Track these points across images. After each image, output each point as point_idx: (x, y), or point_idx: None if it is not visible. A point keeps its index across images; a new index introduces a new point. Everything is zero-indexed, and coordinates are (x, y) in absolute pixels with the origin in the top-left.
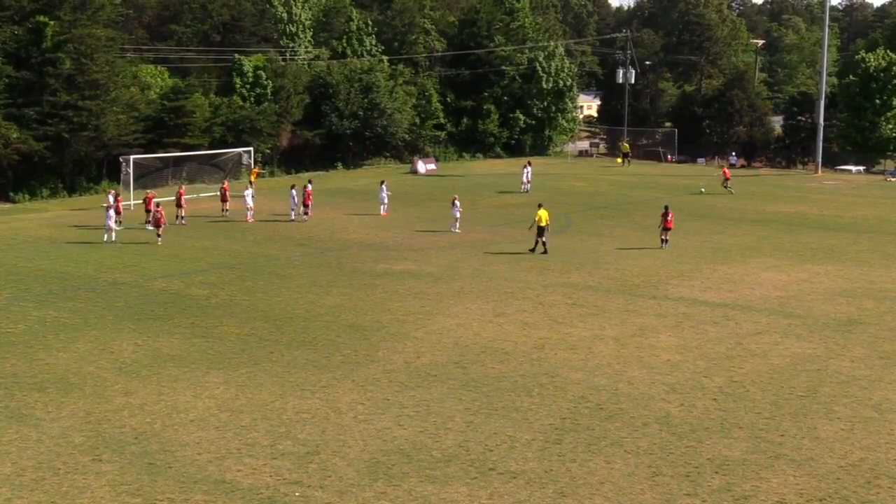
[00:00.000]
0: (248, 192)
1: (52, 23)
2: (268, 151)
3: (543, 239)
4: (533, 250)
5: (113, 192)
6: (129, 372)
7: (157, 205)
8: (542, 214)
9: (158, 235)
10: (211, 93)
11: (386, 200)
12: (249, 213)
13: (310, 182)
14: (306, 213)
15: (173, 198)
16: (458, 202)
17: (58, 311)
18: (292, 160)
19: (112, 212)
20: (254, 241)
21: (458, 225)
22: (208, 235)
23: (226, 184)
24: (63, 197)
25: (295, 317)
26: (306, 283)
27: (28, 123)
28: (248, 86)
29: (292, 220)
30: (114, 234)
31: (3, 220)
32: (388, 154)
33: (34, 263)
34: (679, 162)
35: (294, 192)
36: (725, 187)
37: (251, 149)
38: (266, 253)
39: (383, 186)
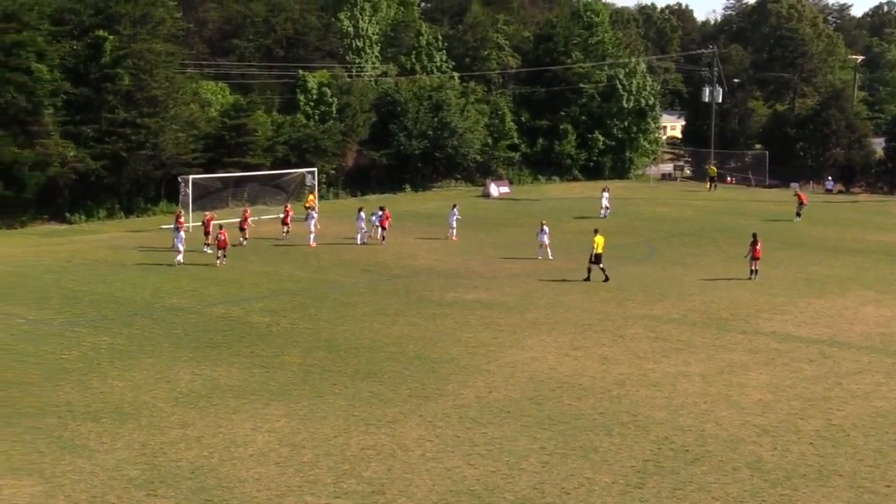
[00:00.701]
0: (312, 215)
1: (111, 37)
2: (332, 172)
3: (601, 266)
4: (587, 279)
5: (180, 212)
6: (186, 402)
7: (220, 227)
8: (599, 241)
9: (222, 257)
10: (273, 110)
11: (455, 224)
12: (311, 237)
13: (381, 209)
14: (383, 238)
15: (237, 219)
16: (546, 227)
17: (113, 337)
18: (358, 181)
19: (182, 233)
20: (317, 266)
21: (549, 251)
22: (269, 260)
23: (289, 206)
24: (120, 218)
25: (360, 347)
26: (372, 311)
27: (85, 141)
28: (312, 103)
29: (363, 244)
30: (181, 255)
31: (59, 241)
32: (458, 176)
33: (89, 287)
34: (770, 186)
35: (362, 214)
36: (798, 214)
37: (315, 169)
38: (330, 279)
39: (455, 210)
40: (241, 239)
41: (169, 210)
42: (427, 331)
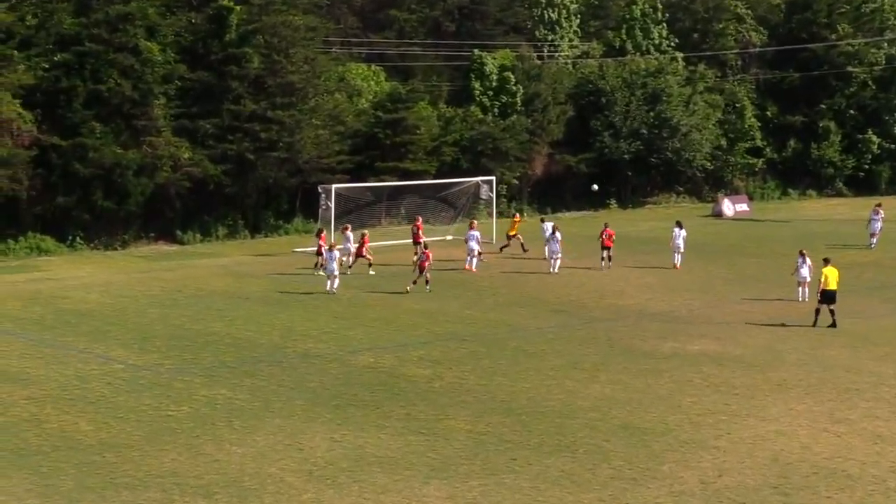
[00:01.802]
0: (474, 235)
1: (237, 8)
2: (515, 182)
3: (831, 307)
4: (814, 324)
5: (322, 229)
6: (322, 477)
7: (425, 246)
8: (830, 274)
9: (426, 283)
10: (441, 101)
11: (682, 248)
12: (472, 261)
13: (605, 225)
14: (608, 262)
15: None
16: (807, 258)
17: (232, 390)
18: (548, 194)
19: (336, 253)
20: (493, 303)
21: (805, 291)
22: (433, 295)
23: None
24: (244, 238)
25: (547, 411)
26: (564, 364)
27: (203, 140)
28: (490, 92)
29: (552, 273)
30: (336, 282)
31: (168, 266)
32: (680, 189)
33: (204, 325)
34: None
35: (558, 236)
36: None
37: (492, 178)
38: (509, 321)
39: (680, 231)
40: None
41: (305, 228)
42: (636, 392)
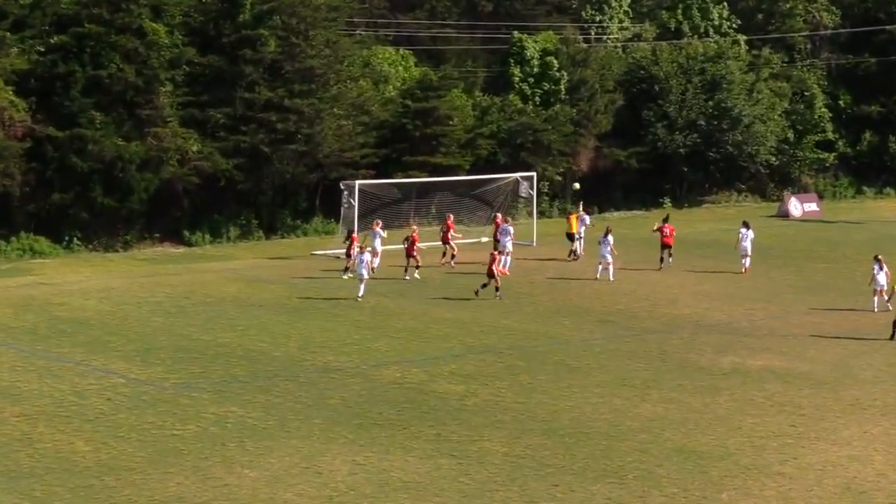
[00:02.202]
0: (508, 232)
1: None
2: (558, 178)
3: None
4: (892, 337)
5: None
6: (344, 503)
7: (496, 248)
8: None
9: (496, 290)
10: (476, 89)
11: (749, 250)
12: (505, 261)
13: (664, 219)
14: (669, 260)
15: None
16: (884, 264)
17: (244, 407)
18: (596, 191)
19: (367, 255)
20: (534, 312)
21: (884, 300)
22: (466, 304)
23: (498, 218)
24: (258, 239)
25: (592, 432)
26: (611, 381)
27: (213, 132)
28: (531, 79)
29: (598, 279)
30: (363, 287)
31: (175, 270)
32: (742, 186)
33: (214, 336)
34: None
35: (610, 239)
36: None
37: (533, 174)
38: (551, 332)
39: (748, 231)
40: (412, 270)
41: (325, 229)
42: (691, 412)
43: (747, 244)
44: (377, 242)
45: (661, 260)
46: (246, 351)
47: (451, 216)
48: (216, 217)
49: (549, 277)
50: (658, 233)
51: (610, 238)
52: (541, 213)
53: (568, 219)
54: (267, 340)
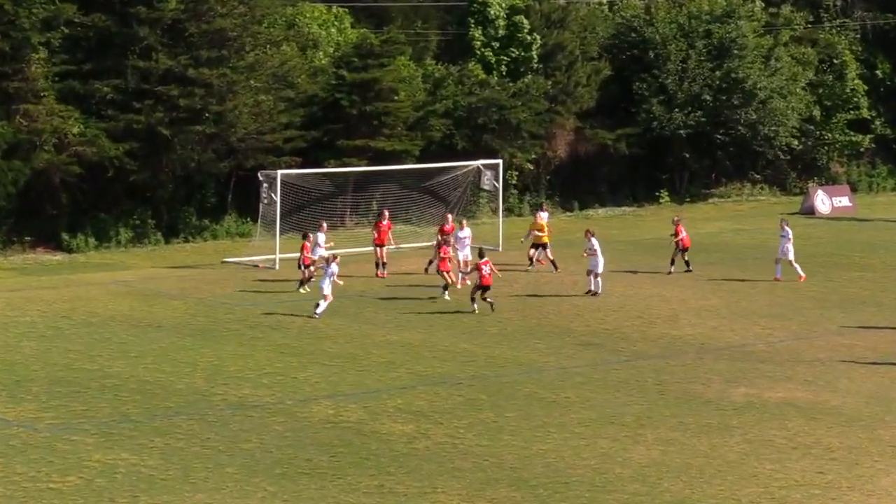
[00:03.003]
0: (465, 234)
1: None
2: (529, 167)
3: None
4: None
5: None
6: None
7: (480, 255)
8: None
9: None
10: (428, 57)
11: (791, 253)
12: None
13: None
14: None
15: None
16: None
17: (138, 453)
18: (576, 183)
19: (335, 267)
20: (500, 333)
21: None
22: (413, 320)
23: (448, 222)
24: (155, 243)
25: (573, 483)
26: (596, 418)
27: (99, 109)
28: (495, 43)
29: (591, 293)
30: (324, 305)
31: (50, 282)
32: (757, 176)
33: (100, 365)
34: None
35: (594, 242)
36: None
37: (498, 161)
38: (522, 358)
39: (787, 228)
40: (303, 283)
41: (239, 230)
42: (695, 456)
43: (789, 245)
44: (318, 251)
45: (687, 263)
46: (140, 383)
47: (387, 213)
48: (103, 216)
49: (518, 294)
50: (675, 238)
51: (594, 242)
52: (508, 211)
53: (536, 221)
54: (167, 370)
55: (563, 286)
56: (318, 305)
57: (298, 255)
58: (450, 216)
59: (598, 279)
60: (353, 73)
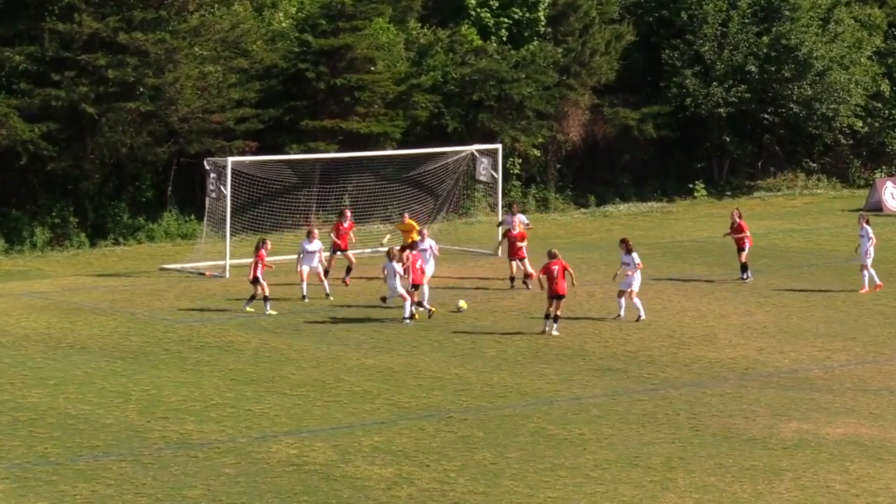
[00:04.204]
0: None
1: None
2: (535, 154)
3: None
4: None
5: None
6: None
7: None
8: None
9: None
10: (411, 18)
11: (870, 257)
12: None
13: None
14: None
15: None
16: None
17: (59, 501)
18: (592, 173)
19: (396, 266)
20: (499, 357)
21: None
22: (398, 341)
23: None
24: (79, 246)
25: None
26: (616, 459)
27: (10, 82)
28: (493, 2)
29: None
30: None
31: None
32: (813, 165)
33: (11, 394)
34: None
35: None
36: None
37: (498, 147)
38: (525, 386)
39: (867, 227)
40: (258, 293)
41: (182, 230)
42: None
43: (869, 244)
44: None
45: (744, 269)
46: (61, 417)
47: (349, 213)
48: (14, 213)
49: (520, 308)
50: (736, 235)
51: (635, 257)
52: (509, 207)
53: (510, 229)
54: (93, 400)
55: (577, 299)
56: (405, 310)
57: (251, 263)
58: (348, 212)
59: (636, 300)
60: (319, 39)
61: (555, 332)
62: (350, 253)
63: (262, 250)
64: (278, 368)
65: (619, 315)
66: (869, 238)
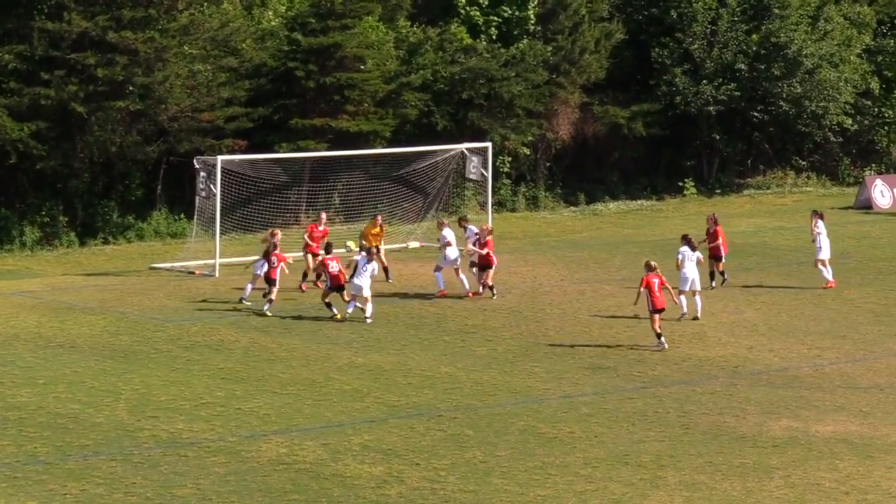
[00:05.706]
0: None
1: None
2: (525, 152)
3: None
4: None
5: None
6: None
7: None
8: None
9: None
10: (401, 17)
11: (825, 253)
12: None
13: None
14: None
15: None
16: None
17: (49, 501)
18: (581, 171)
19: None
20: (489, 355)
21: None
22: (388, 339)
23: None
24: (68, 245)
25: None
26: (607, 457)
27: (0, 83)
28: (484, 2)
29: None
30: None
31: None
32: (801, 162)
33: (1, 394)
34: None
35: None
36: None
37: (488, 145)
38: (515, 385)
39: (819, 223)
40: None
41: (171, 230)
42: (727, 503)
43: (821, 237)
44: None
45: (713, 276)
46: (51, 416)
47: (324, 216)
48: (3, 212)
49: (511, 306)
50: (708, 242)
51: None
52: (499, 205)
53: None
54: (83, 400)
55: (567, 297)
56: (364, 311)
57: (265, 261)
58: (324, 215)
59: (697, 297)
60: (309, 38)
61: (666, 345)
62: (310, 258)
63: (277, 249)
64: (268, 367)
65: (683, 314)
66: (819, 232)
